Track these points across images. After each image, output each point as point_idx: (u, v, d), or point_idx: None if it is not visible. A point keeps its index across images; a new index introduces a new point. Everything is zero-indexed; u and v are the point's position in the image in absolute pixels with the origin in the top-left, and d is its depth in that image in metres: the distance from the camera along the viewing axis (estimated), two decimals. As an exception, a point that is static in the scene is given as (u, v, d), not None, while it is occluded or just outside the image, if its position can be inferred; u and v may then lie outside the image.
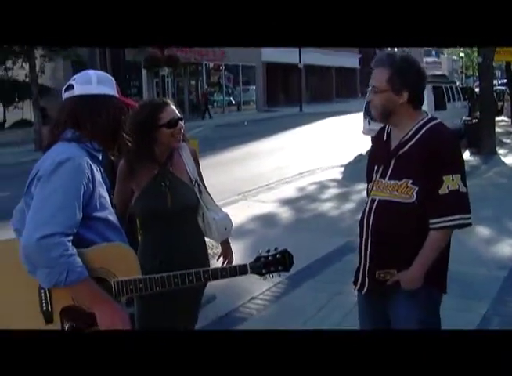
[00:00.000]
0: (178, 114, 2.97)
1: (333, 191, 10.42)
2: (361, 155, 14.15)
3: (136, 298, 2.83)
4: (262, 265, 2.38)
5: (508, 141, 17.42)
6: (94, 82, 2.27)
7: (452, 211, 2.45)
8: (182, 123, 2.96)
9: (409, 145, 2.53)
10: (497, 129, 15.94)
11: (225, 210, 3.18)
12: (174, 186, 2.97)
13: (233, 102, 36.74)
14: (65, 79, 18.38)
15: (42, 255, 1.95)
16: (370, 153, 2.90)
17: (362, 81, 52.00)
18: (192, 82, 33.76)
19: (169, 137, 2.92)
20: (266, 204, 9.21)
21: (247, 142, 18.40)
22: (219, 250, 3.30)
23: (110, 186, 2.42)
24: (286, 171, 12.37)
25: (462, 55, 55.86)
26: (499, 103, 24.80)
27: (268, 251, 2.42)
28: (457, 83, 25.12)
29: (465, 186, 2.47)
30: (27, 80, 19.78)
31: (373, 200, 2.62)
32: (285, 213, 8.69)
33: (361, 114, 15.49)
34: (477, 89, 20.68)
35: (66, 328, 2.08)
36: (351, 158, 14.23)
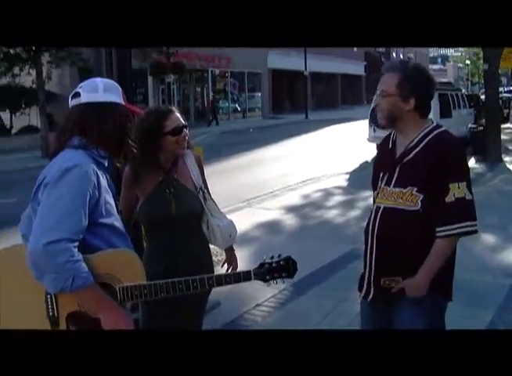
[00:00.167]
0: (183, 122, 2.99)
1: (338, 198, 10.42)
2: (366, 162, 14.13)
3: (141, 303, 2.84)
4: (266, 272, 2.39)
5: (514, 148, 17.39)
6: (100, 90, 2.29)
7: (459, 218, 2.45)
8: (186, 130, 2.98)
9: (414, 152, 2.54)
10: (503, 136, 15.90)
11: (229, 217, 3.19)
12: (178, 192, 2.99)
13: (239, 109, 36.79)
14: (71, 85, 18.49)
15: (48, 261, 1.97)
16: (376, 160, 2.90)
17: (367, 88, 52.05)
18: (198, 89, 33.85)
19: (174, 144, 2.94)
20: (271, 211, 9.21)
21: (253, 149, 18.42)
22: (224, 257, 3.31)
23: (116, 192, 2.44)
24: (291, 179, 12.37)
25: (468, 62, 55.87)
26: (505, 111, 24.73)
27: (272, 257, 2.43)
28: (463, 90, 25.10)
29: (471, 193, 2.47)
30: (34, 86, 19.87)
31: (377, 208, 2.62)
32: (290, 220, 8.68)
33: (366, 121, 15.49)
34: (482, 96, 20.65)
35: None
36: (356, 165, 14.22)
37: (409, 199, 2.50)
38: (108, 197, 2.23)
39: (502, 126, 17.28)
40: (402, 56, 59.27)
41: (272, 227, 8.21)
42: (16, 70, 20.11)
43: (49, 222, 2.01)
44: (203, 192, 3.07)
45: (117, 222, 2.27)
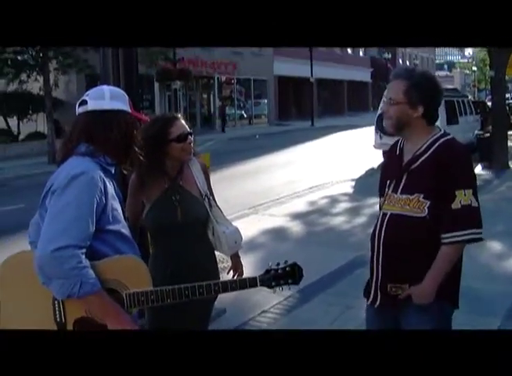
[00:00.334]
0: (188, 129, 3.01)
1: (344, 205, 10.40)
2: (372, 169, 14.13)
3: (147, 310, 2.85)
4: (272, 278, 2.39)
5: (521, 155, 17.33)
6: (107, 97, 2.31)
7: (464, 225, 2.45)
8: (191, 137, 3.00)
9: (421, 160, 2.55)
10: (509, 143, 15.83)
11: (236, 223, 3.20)
12: (184, 199, 2.99)
13: (245, 115, 36.85)
14: (78, 92, 18.61)
15: (56, 267, 1.99)
16: (383, 167, 2.91)
17: (374, 94, 52.05)
18: (204, 96, 33.94)
19: (180, 151, 2.96)
20: (277, 217, 9.21)
21: (259, 155, 18.43)
22: (230, 264, 3.31)
23: (122, 199, 2.45)
24: (297, 185, 12.37)
25: (474, 68, 55.82)
26: (512, 117, 24.69)
27: (278, 264, 2.43)
28: (469, 97, 25.06)
29: (477, 200, 2.47)
30: (41, 93, 19.99)
31: (384, 215, 2.63)
32: (296, 227, 8.68)
33: (372, 128, 15.47)
34: (489, 103, 20.61)
35: None
36: (363, 172, 14.21)
37: (416, 206, 2.50)
38: (115, 204, 2.24)
39: (509, 133, 17.20)
40: (408, 63, 59.27)
41: (278, 234, 8.21)
42: (24, 76, 20.23)
43: (57, 229, 2.02)
44: (209, 199, 3.08)
45: (124, 229, 2.28)
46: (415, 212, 2.50)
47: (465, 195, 2.44)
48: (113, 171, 2.33)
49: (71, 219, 2.04)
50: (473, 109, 18.37)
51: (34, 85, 20.85)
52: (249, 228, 7.65)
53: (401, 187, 2.58)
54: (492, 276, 5.98)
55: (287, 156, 18.62)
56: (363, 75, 51.99)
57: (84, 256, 2.04)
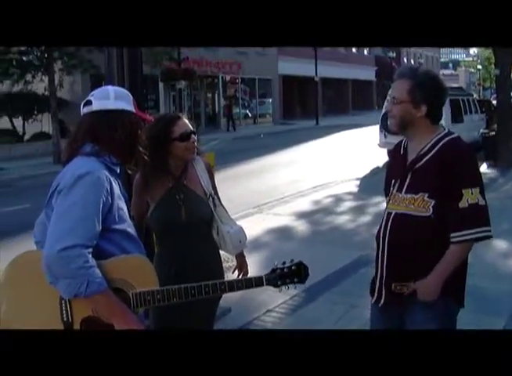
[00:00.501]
0: (191, 128, 3.01)
1: (348, 204, 10.40)
2: (377, 168, 14.11)
3: (152, 309, 2.85)
4: (278, 277, 2.39)
5: (526, 154, 17.24)
6: (111, 98, 2.32)
7: (472, 224, 2.45)
8: (194, 137, 3.00)
9: (425, 159, 2.55)
10: (515, 142, 15.81)
11: (240, 223, 3.20)
12: (188, 198, 3.00)
13: (249, 115, 36.84)
14: (83, 93, 18.65)
15: (63, 267, 1.99)
16: (388, 166, 2.91)
17: (378, 93, 51.97)
18: (209, 95, 33.95)
19: (183, 150, 2.96)
20: (282, 216, 9.21)
21: (263, 154, 18.43)
22: (235, 263, 3.32)
23: (127, 198, 2.46)
24: (301, 184, 12.36)
25: (479, 67, 55.65)
26: (517, 116, 24.55)
27: (284, 263, 2.43)
28: (474, 95, 24.97)
29: (484, 198, 2.47)
30: (46, 93, 20.04)
31: (389, 214, 2.63)
32: (300, 226, 8.68)
33: (377, 127, 15.45)
34: (494, 102, 20.54)
35: None
36: (367, 171, 14.19)
37: (421, 205, 2.50)
38: (121, 204, 2.25)
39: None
40: (412, 62, 59.13)
41: (282, 233, 8.21)
42: (29, 77, 20.28)
43: (63, 229, 2.03)
44: (213, 198, 3.08)
45: (130, 228, 2.29)
46: (420, 211, 2.50)
47: (472, 194, 2.44)
48: (118, 171, 2.34)
49: (78, 219, 2.05)
50: (478, 107, 18.30)
51: (39, 86, 20.90)
52: (253, 227, 7.66)
53: (405, 186, 2.58)
54: (497, 274, 5.96)
55: (292, 155, 18.61)
56: (368, 74, 51.89)
57: (90, 255, 2.05)
